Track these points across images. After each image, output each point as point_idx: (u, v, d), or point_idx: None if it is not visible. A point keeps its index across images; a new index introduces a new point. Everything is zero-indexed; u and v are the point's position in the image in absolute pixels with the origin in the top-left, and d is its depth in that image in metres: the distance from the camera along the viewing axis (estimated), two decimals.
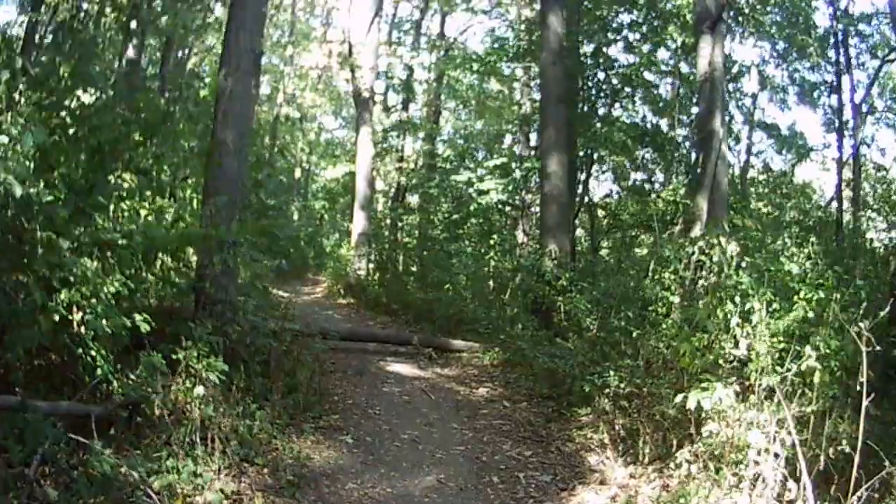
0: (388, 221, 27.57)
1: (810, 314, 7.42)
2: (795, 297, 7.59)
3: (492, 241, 21.23)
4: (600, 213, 23.06)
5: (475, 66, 25.78)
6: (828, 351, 6.85)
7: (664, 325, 9.63)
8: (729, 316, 7.49)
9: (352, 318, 19.98)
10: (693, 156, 18.74)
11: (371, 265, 24.80)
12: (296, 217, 42.25)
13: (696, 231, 13.10)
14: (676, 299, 10.28)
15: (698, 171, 14.99)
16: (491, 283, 18.72)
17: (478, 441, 9.75)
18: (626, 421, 9.11)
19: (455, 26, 56.13)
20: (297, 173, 45.08)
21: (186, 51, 24.74)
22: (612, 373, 9.51)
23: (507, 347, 13.93)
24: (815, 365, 6.62)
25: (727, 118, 18.21)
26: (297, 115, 43.26)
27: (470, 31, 45.61)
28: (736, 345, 7.28)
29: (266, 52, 33.89)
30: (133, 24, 18.45)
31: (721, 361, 7.60)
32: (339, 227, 40.69)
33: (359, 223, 26.00)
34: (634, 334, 9.97)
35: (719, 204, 14.43)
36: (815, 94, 27.60)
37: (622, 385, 9.26)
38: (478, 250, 21.67)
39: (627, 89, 20.92)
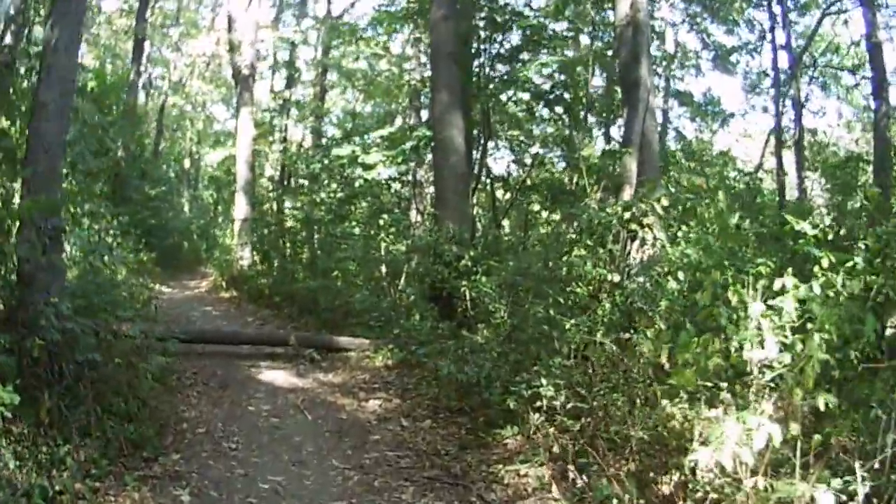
0: (273, 206, 24.67)
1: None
2: (816, 270, 5.01)
3: (381, 222, 18.71)
4: (499, 191, 20.81)
5: (361, 36, 24.36)
6: None
7: (599, 311, 7.77)
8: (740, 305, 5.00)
9: (230, 314, 17.75)
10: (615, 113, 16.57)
11: (255, 254, 22.38)
12: (186, 209, 40.48)
13: (626, 195, 11.00)
14: (616, 277, 8.28)
15: (623, 127, 13.03)
16: (383, 268, 16.09)
17: (366, 488, 7.02)
18: (570, 446, 6.63)
19: (341, 5, 53.59)
20: (187, 163, 43.02)
21: None
22: (543, 380, 7.15)
23: (403, 345, 11.67)
24: None
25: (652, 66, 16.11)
26: (183, 104, 41.71)
27: (358, 7, 42.90)
28: (761, 344, 4.74)
29: (150, 38, 33.13)
30: None
31: (725, 372, 5.05)
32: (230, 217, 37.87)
33: (241, 209, 23.77)
34: (568, 325, 7.65)
35: (650, 164, 12.27)
36: (734, 58, 26.43)
37: (560, 396, 6.91)
38: (367, 232, 19.01)
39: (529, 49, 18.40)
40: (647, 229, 8.84)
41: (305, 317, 15.72)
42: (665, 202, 8.89)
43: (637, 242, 8.94)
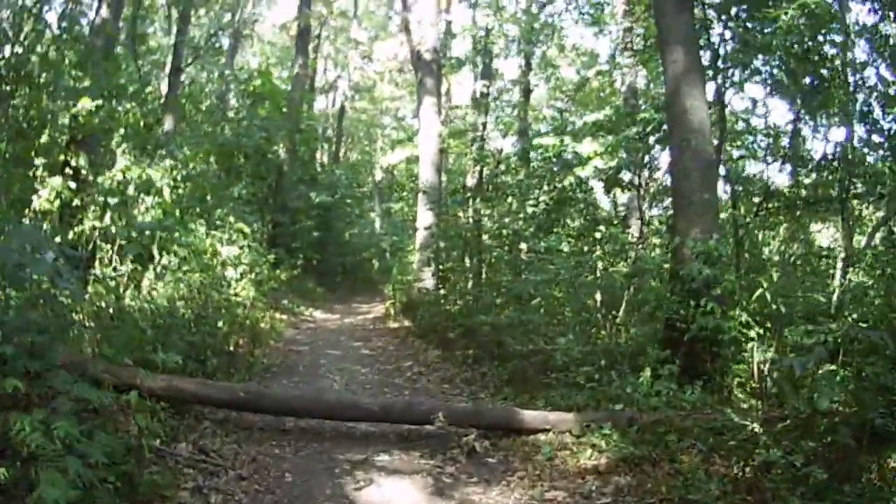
0: (463, 215, 20.28)
1: None
2: None
3: (598, 235, 14.52)
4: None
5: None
6: None
7: None
8: None
9: (383, 355, 13.79)
10: None
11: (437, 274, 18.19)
12: (377, 224, 38.33)
13: None
14: None
15: None
16: (598, 295, 11.32)
17: None
18: None
19: None
20: (378, 175, 40.14)
21: None
22: None
23: (628, 424, 7.27)
24: None
25: None
26: (372, 109, 40.83)
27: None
28: None
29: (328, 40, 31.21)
30: None
31: None
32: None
33: (424, 219, 19.36)
34: None
35: None
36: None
37: None
38: (577, 247, 14.45)
39: None
40: None
41: (486, 365, 11.44)
42: None
43: None
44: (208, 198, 15.49)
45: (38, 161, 11.90)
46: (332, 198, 26.72)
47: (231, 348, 11.19)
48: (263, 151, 23.36)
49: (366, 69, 37.63)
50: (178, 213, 12.98)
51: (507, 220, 16.22)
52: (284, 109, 26.37)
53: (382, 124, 42.54)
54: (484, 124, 25.08)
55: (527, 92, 26.63)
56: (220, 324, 11.32)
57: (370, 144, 42.83)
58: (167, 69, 22.81)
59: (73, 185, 11.40)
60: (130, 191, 11.92)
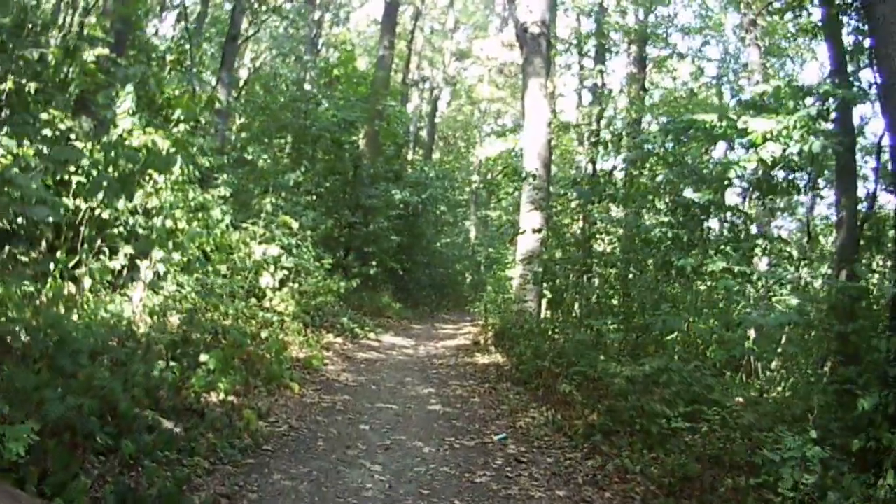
0: (579, 221, 16.03)
1: None
2: None
3: (759, 249, 10.93)
4: None
5: None
6: None
7: None
8: None
9: (462, 414, 9.35)
10: None
11: (547, 296, 14.65)
12: (472, 234, 37.12)
13: None
14: None
15: None
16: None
17: None
18: None
19: None
20: (475, 180, 37.88)
21: None
22: None
23: None
24: None
25: None
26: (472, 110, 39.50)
27: None
28: None
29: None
30: None
31: None
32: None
33: (529, 222, 15.16)
34: None
35: None
36: None
37: None
38: (735, 266, 10.06)
39: None
40: None
41: (624, 446, 7.29)
42: None
43: None
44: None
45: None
46: (418, 197, 22.78)
47: (201, 403, 7.22)
48: (339, 141, 19.82)
49: (461, 65, 36.67)
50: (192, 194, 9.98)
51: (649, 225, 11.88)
52: (366, 94, 23.01)
53: (480, 126, 40.50)
54: (599, 116, 21.22)
55: (642, 68, 23.87)
56: (203, 357, 7.82)
57: (467, 147, 39.70)
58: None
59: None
60: (124, 162, 8.77)
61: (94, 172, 8.40)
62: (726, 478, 5.93)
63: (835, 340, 7.57)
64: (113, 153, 8.53)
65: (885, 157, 10.09)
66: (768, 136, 9.56)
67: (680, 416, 6.85)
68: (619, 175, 15.65)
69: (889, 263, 10.31)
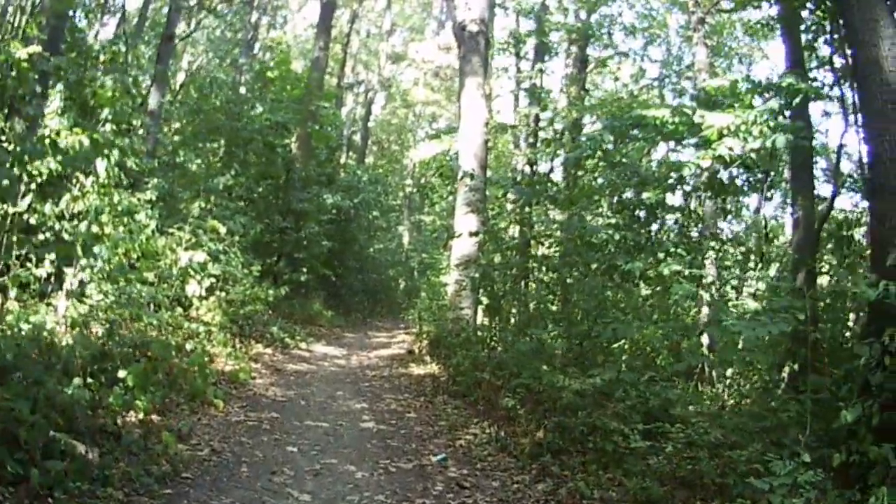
0: (515, 226, 15.51)
1: None
2: None
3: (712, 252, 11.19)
4: None
5: None
6: None
7: None
8: None
9: (398, 431, 8.82)
10: None
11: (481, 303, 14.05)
12: (405, 239, 37.09)
13: None
14: None
15: None
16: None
17: None
18: None
19: None
20: (409, 184, 37.70)
21: None
22: None
23: None
24: None
25: None
26: (406, 114, 39.80)
27: None
28: None
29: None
30: None
31: None
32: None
33: (464, 225, 14.58)
34: None
35: None
36: None
37: None
38: (683, 272, 9.58)
39: None
40: None
41: (576, 465, 6.79)
42: None
43: None
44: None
45: None
46: (350, 202, 22.27)
47: (118, 424, 6.54)
48: (272, 144, 19.29)
49: (397, 68, 37.16)
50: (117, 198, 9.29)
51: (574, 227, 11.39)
52: (299, 94, 22.69)
53: (415, 130, 40.73)
54: (537, 117, 20.92)
55: (583, 67, 23.34)
56: (122, 374, 7.26)
57: (401, 151, 39.62)
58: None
59: None
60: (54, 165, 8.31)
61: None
62: (696, 501, 5.48)
63: (802, 346, 7.19)
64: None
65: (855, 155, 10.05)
66: (725, 132, 9.20)
67: (638, 433, 6.39)
68: (557, 177, 15.37)
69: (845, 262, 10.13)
